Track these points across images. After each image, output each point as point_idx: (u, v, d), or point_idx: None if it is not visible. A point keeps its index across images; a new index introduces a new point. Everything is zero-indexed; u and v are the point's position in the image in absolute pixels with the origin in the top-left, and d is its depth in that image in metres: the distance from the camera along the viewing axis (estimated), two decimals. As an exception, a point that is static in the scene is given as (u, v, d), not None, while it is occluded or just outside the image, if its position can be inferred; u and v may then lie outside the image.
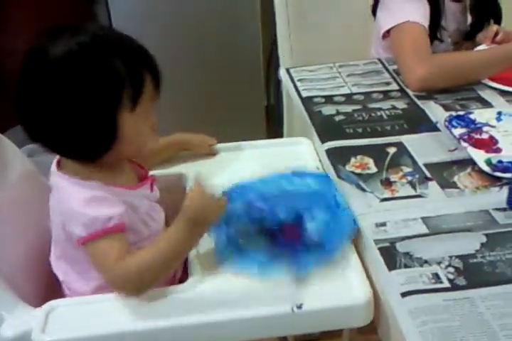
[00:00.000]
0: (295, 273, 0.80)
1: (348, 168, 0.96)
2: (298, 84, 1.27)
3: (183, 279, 0.83)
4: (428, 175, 0.93)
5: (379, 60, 1.36)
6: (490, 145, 0.99)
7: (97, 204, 0.76)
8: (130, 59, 0.76)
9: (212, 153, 1.07)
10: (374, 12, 1.38)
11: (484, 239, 0.79)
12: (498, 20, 1.43)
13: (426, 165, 0.96)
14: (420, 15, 1.26)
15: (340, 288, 0.77)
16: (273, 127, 2.22)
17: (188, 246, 0.79)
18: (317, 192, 0.91)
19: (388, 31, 1.29)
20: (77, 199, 0.77)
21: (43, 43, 0.74)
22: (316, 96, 1.20)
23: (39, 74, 0.74)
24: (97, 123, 0.75)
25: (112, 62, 0.74)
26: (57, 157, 0.84)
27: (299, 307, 0.74)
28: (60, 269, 0.87)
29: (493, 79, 1.20)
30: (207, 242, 0.85)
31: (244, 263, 0.82)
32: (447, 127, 1.04)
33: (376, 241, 0.80)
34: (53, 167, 0.83)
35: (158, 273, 0.77)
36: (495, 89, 1.18)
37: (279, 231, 0.85)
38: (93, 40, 0.75)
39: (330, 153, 1.01)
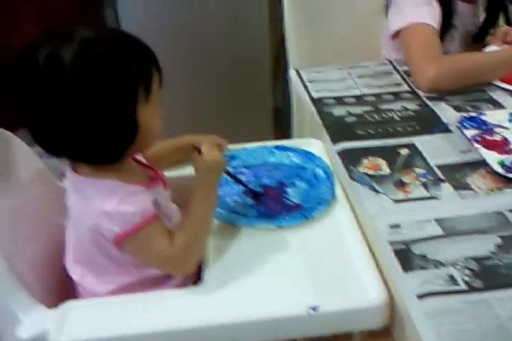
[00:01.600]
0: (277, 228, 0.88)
1: (361, 169, 0.95)
2: (308, 85, 1.26)
3: (196, 282, 0.83)
4: (441, 176, 0.93)
5: (389, 61, 1.36)
6: (502, 146, 0.99)
7: (129, 200, 0.77)
8: (137, 55, 0.77)
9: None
10: (387, 12, 1.38)
11: (499, 241, 0.79)
12: (507, 21, 1.43)
13: (438, 166, 0.95)
14: (430, 16, 1.26)
15: (355, 290, 0.77)
16: (280, 130, 2.21)
17: (213, 200, 0.85)
18: (298, 166, 1.03)
19: (398, 32, 1.29)
20: (107, 199, 0.77)
21: (51, 48, 0.72)
22: (327, 98, 1.20)
23: (55, 81, 0.71)
24: (120, 122, 0.76)
25: (126, 61, 0.74)
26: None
27: (315, 309, 0.74)
28: (76, 272, 0.86)
29: (504, 81, 1.20)
30: (220, 246, 0.86)
31: (235, 219, 0.90)
32: (459, 128, 1.04)
33: (391, 243, 0.79)
34: (68, 170, 0.83)
35: (203, 239, 0.83)
36: (506, 90, 1.18)
37: (263, 193, 0.97)
38: (101, 41, 0.74)
39: (342, 154, 1.01)
